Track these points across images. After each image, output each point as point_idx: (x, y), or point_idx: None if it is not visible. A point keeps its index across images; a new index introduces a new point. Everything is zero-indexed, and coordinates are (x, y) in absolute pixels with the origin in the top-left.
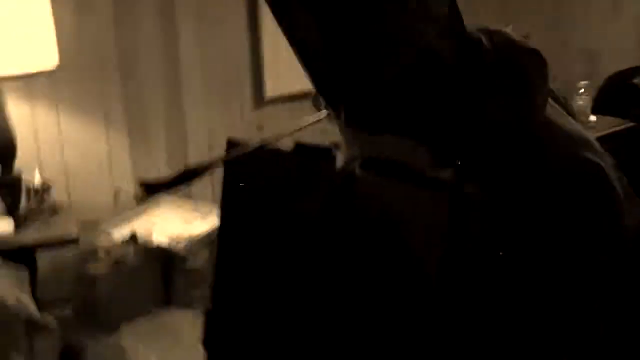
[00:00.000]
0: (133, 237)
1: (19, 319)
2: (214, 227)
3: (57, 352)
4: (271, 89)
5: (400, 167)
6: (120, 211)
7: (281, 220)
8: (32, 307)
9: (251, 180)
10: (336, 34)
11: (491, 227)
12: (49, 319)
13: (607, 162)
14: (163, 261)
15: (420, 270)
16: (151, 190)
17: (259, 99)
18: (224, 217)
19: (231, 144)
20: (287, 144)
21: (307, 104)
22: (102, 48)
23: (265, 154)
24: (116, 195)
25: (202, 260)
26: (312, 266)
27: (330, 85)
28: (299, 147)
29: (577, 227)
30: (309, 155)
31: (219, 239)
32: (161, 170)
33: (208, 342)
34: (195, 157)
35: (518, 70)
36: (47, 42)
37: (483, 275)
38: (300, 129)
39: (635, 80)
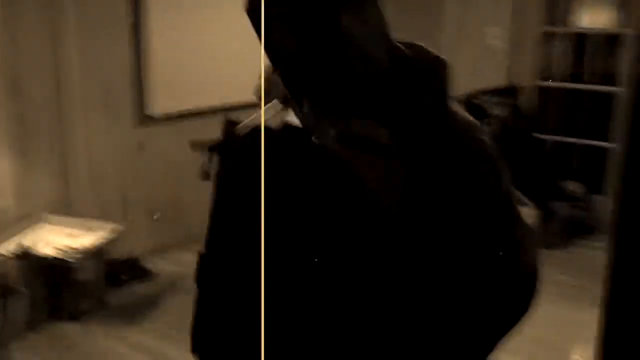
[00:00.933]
0: (19, 252)
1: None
2: (100, 240)
3: (25, 312)
4: (154, 108)
5: (364, 140)
6: (1, 228)
7: (270, 182)
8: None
9: (246, 149)
10: (307, 42)
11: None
12: (19, 285)
13: (490, 139)
14: (50, 274)
15: (382, 219)
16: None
17: (141, 117)
18: (220, 178)
19: (230, 123)
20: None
21: (190, 122)
22: None
23: (259, 131)
24: None
25: (90, 272)
26: (293, 216)
27: (297, 82)
28: (287, 126)
29: (474, 183)
30: (294, 133)
31: (215, 193)
32: (44, 188)
33: (200, 281)
34: (77, 175)
35: (434, 71)
36: None
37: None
38: (267, 118)
39: (478, 101)
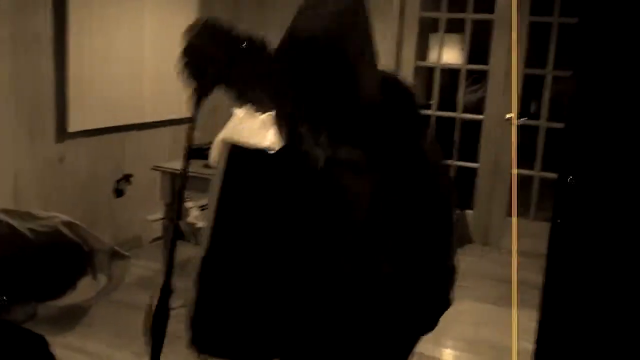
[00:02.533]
0: None
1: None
2: None
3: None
4: (74, 124)
5: (349, 162)
6: None
7: (269, 191)
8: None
9: (250, 166)
10: (330, 85)
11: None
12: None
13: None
14: None
15: (351, 223)
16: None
17: (62, 132)
18: (225, 192)
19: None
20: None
21: (106, 138)
22: None
23: (260, 152)
24: None
25: None
26: (284, 219)
27: (317, 114)
28: (285, 148)
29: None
30: (293, 155)
31: (218, 207)
32: None
33: (202, 280)
34: (1, 185)
35: (413, 103)
36: None
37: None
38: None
39: None
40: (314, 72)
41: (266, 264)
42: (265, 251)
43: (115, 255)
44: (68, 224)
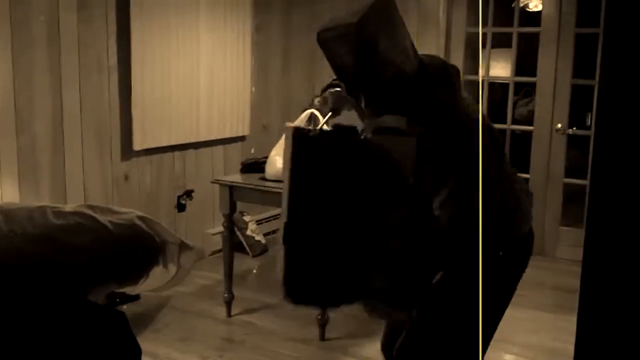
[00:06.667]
0: None
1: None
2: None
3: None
4: (138, 143)
5: (391, 129)
6: None
7: (329, 162)
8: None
9: (315, 144)
10: (359, 63)
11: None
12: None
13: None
14: None
15: (402, 180)
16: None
17: (127, 151)
18: (294, 165)
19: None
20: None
21: (167, 156)
22: (1, 103)
23: (323, 132)
24: None
25: None
26: (345, 186)
27: (357, 91)
28: (337, 126)
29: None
30: (344, 131)
31: (291, 178)
32: None
33: (287, 241)
34: (73, 201)
35: (448, 75)
36: None
37: None
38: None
39: None
40: (344, 58)
41: (337, 222)
42: (336, 211)
43: (183, 247)
44: (142, 218)
